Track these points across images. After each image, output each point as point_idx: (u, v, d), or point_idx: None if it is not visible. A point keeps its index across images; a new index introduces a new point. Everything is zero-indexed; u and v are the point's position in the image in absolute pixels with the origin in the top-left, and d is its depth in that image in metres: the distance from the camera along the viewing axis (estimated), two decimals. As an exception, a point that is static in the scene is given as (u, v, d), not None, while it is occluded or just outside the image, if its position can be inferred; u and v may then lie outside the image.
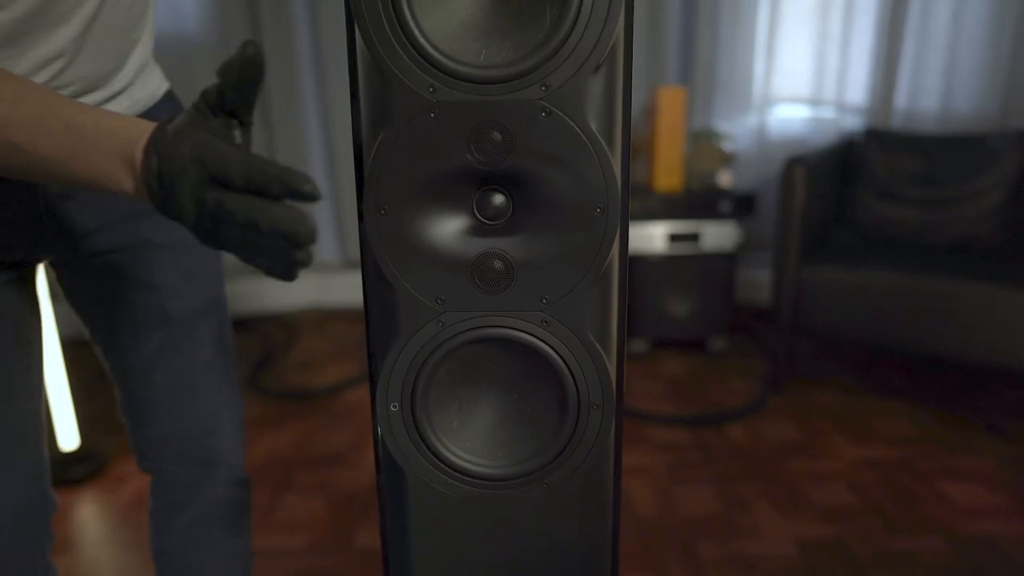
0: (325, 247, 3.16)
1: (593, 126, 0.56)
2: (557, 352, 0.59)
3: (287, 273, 0.51)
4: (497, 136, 0.55)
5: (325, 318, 3.04)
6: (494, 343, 0.59)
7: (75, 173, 0.56)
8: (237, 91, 0.52)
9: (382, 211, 0.57)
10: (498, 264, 0.58)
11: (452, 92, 0.54)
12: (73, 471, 1.82)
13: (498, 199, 0.58)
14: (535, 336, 0.58)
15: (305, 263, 0.51)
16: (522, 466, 0.61)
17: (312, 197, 0.50)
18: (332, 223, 3.13)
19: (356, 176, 0.59)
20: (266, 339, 2.81)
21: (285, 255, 0.50)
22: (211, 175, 0.50)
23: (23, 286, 0.77)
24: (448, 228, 0.58)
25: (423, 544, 0.67)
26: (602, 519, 0.64)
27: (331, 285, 3.14)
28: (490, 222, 0.59)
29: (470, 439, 0.61)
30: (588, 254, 0.57)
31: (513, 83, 0.54)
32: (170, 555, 0.99)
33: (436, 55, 0.54)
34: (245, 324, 2.96)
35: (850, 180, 2.42)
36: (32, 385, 0.78)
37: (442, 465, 0.61)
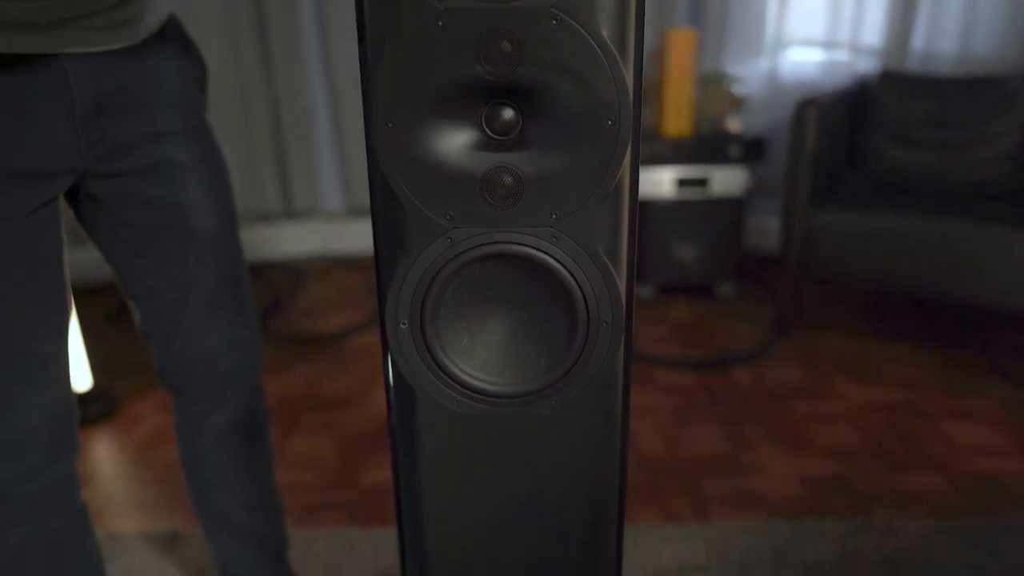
0: (330, 195, 3.14)
1: (605, 34, 0.54)
2: (567, 268, 0.58)
3: None
4: (507, 46, 0.54)
5: (330, 266, 3.04)
6: (503, 259, 0.58)
7: None
8: None
9: (389, 124, 0.56)
10: (508, 179, 0.57)
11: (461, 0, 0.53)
12: (87, 411, 1.85)
13: (507, 113, 0.57)
14: (545, 252, 0.58)
15: None
16: (531, 383, 0.61)
17: None
18: (337, 171, 3.11)
19: (362, 88, 0.57)
20: (273, 286, 2.82)
21: None
22: None
23: (56, 211, 0.80)
24: (457, 142, 0.57)
25: (433, 463, 0.67)
26: (611, 436, 0.65)
27: (336, 233, 3.13)
28: (499, 137, 0.57)
29: (480, 356, 0.61)
30: (599, 168, 0.56)
31: (523, -12, 0.52)
32: (198, 464, 1.06)
33: (443, -42, 0.52)
34: (252, 271, 2.96)
35: (863, 124, 2.38)
36: (64, 302, 0.82)
37: (451, 382, 0.61)
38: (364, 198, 3.02)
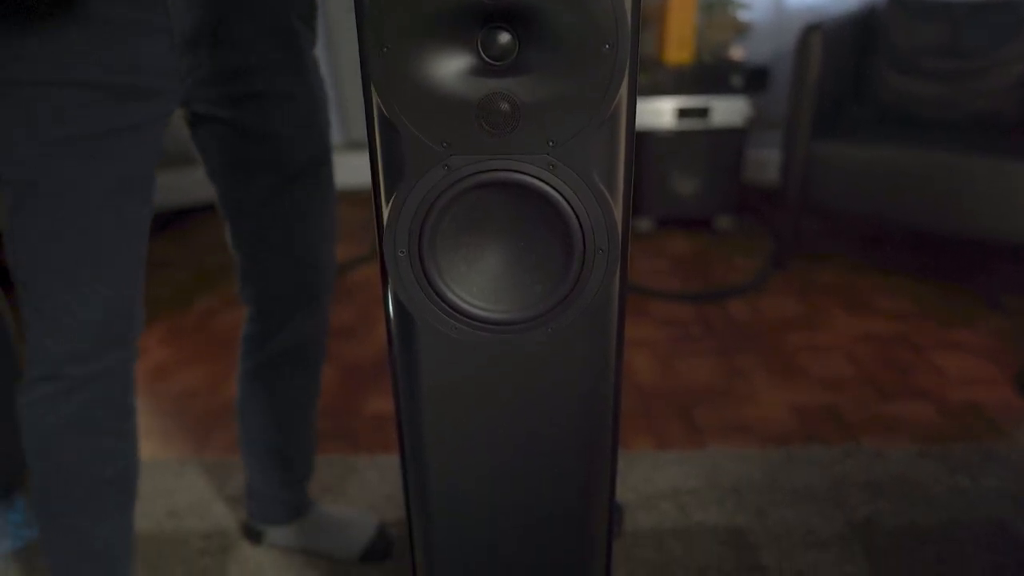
0: (326, 128, 3.10)
1: (603, -46, 0.53)
2: (563, 196, 0.58)
3: None
4: (502, -34, 0.53)
5: (329, 200, 3.03)
6: (500, 187, 0.59)
7: None
8: None
9: (384, 49, 0.55)
10: (504, 106, 0.56)
11: (454, -84, 0.51)
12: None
13: (504, 38, 0.56)
14: (541, 180, 0.58)
15: None
16: (528, 310, 0.62)
17: None
18: (333, 104, 3.05)
19: (356, 13, 0.56)
20: (271, 221, 2.81)
21: None
22: None
23: (158, 133, 0.84)
24: (452, 68, 0.56)
25: (433, 390, 0.69)
26: (606, 362, 0.66)
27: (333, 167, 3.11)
28: (495, 62, 0.57)
29: (477, 284, 0.62)
30: (596, 94, 0.56)
31: (519, -95, 0.51)
32: (255, 378, 1.12)
33: None
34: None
35: (870, 51, 2.33)
36: (145, 219, 0.87)
37: (449, 310, 0.62)
38: (360, 132, 2.98)
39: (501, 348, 0.66)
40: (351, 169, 3.10)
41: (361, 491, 1.39)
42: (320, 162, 1.00)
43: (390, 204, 0.60)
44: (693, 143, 2.38)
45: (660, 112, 2.33)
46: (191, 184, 2.95)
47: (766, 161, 2.82)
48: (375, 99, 0.57)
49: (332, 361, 1.84)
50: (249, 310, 1.09)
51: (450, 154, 0.58)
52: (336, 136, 3.11)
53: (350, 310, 2.10)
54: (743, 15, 2.51)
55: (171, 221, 2.86)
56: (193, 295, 2.23)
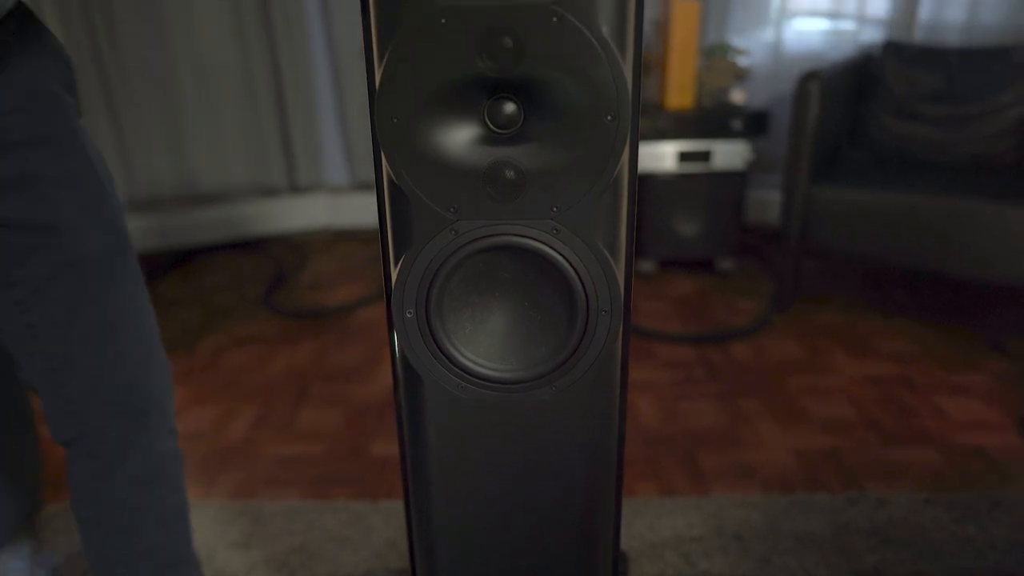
0: (334, 169, 3.14)
1: (604, 31, 0.55)
2: (567, 259, 0.60)
3: None
4: (508, 42, 0.55)
5: (334, 239, 3.06)
6: (506, 251, 0.60)
7: None
8: None
9: (394, 120, 0.58)
10: (510, 173, 0.59)
11: (463, -3, 0.54)
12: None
13: (509, 108, 0.59)
14: (546, 244, 0.60)
15: None
16: (533, 370, 0.64)
17: None
18: (340, 145, 3.10)
19: (367, 84, 0.59)
20: (277, 260, 2.84)
21: None
22: None
23: None
24: (460, 137, 0.59)
25: (439, 444, 0.70)
26: (609, 420, 0.68)
27: (340, 207, 3.14)
28: (501, 131, 0.59)
29: (483, 344, 0.63)
30: (598, 162, 0.58)
31: (524, -13, 0.54)
32: (106, 521, 0.93)
33: (446, -42, 0.53)
34: (255, 246, 2.99)
35: (867, 96, 2.37)
36: None
37: (456, 369, 0.64)
38: (367, 172, 3.03)
39: (507, 404, 0.67)
40: (356, 208, 3.15)
41: (366, 538, 1.38)
42: (114, 251, 0.83)
43: (399, 266, 0.62)
44: (695, 186, 2.41)
45: (662, 156, 2.37)
46: (197, 224, 2.99)
47: (767, 203, 2.86)
48: (385, 167, 0.59)
49: (336, 403, 1.84)
50: (73, 453, 0.90)
51: (457, 219, 0.60)
52: (342, 176, 3.15)
53: (354, 351, 2.11)
54: (742, 61, 2.57)
55: (178, 261, 2.89)
56: (199, 335, 2.24)
